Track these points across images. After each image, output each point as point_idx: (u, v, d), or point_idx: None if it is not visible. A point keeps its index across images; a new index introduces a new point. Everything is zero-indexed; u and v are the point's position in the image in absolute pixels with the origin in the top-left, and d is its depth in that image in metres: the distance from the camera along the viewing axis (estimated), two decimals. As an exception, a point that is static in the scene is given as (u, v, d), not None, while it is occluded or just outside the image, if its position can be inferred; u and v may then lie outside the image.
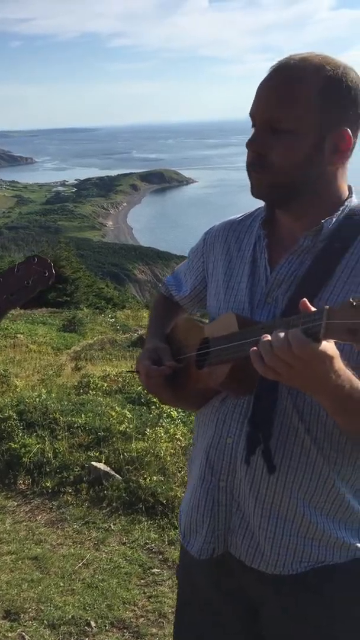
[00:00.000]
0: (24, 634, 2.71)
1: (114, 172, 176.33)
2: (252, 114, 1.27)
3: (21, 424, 5.07)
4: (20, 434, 4.88)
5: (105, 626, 2.77)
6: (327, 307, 0.96)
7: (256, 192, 1.31)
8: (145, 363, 1.44)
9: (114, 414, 5.28)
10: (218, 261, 1.46)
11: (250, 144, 1.27)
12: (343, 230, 1.26)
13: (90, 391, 7.05)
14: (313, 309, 0.99)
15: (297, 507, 1.26)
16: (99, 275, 52.26)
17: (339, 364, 1.04)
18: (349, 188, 1.33)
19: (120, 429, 4.89)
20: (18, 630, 2.74)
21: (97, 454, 4.53)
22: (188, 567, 1.47)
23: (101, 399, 6.25)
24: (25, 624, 2.79)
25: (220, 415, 1.34)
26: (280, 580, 1.28)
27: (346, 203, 1.29)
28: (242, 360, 1.14)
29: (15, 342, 12.48)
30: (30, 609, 2.89)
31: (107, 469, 4.30)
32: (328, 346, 1.00)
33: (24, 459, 4.51)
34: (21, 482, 4.32)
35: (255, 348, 1.04)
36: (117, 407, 5.57)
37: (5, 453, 4.65)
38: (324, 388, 1.07)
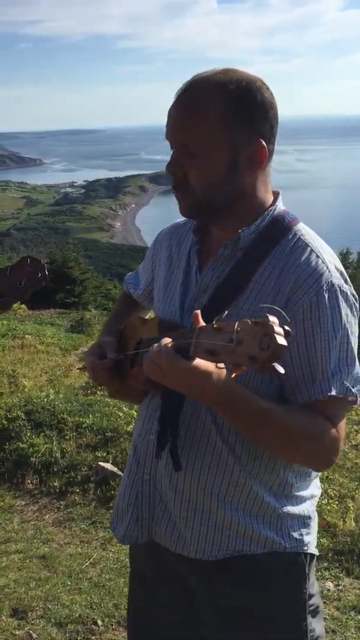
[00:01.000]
0: (31, 632, 2.72)
1: (122, 174, 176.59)
2: (167, 137, 1.29)
3: (29, 424, 5.10)
4: (29, 434, 4.90)
5: (112, 625, 2.79)
6: (199, 325, 1.01)
7: (182, 213, 1.35)
8: (90, 358, 1.50)
9: (121, 414, 5.30)
10: (162, 263, 1.51)
11: (167, 168, 1.30)
12: (262, 238, 1.28)
13: (97, 392, 7.07)
14: (202, 323, 1.03)
15: (211, 501, 1.31)
16: (106, 276, 52.34)
17: (216, 380, 1.08)
18: (275, 194, 1.34)
19: (128, 429, 4.90)
20: (25, 628, 2.76)
21: (105, 454, 4.55)
22: (131, 556, 1.59)
23: (109, 400, 6.27)
24: (32, 622, 2.81)
25: (148, 411, 1.42)
26: (203, 564, 1.33)
27: (268, 211, 1.30)
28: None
29: (24, 342, 12.50)
30: (37, 607, 2.91)
31: (115, 469, 4.32)
32: (201, 362, 1.05)
33: (32, 458, 4.54)
34: (29, 481, 4.35)
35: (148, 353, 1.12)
36: (124, 408, 5.58)
37: (13, 453, 4.68)
38: (205, 399, 1.15)
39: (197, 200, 1.28)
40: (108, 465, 4.34)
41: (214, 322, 0.97)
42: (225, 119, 1.20)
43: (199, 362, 1.05)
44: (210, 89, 1.21)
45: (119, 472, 4.27)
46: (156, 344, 1.10)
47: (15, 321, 14.91)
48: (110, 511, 3.89)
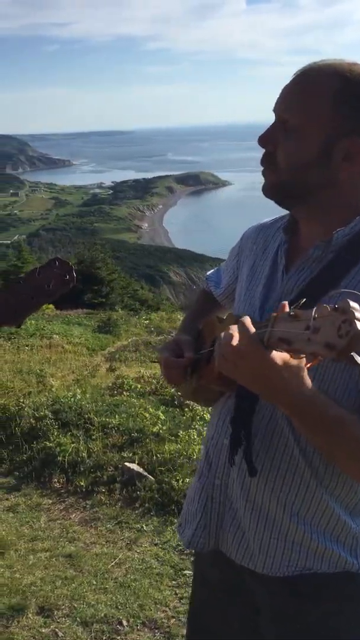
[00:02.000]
0: (57, 630, 2.75)
1: (150, 175, 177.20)
2: (273, 109, 1.26)
3: (56, 423, 5.15)
4: (56, 433, 4.95)
5: (137, 626, 2.80)
6: (275, 314, 0.95)
7: (264, 190, 1.30)
8: (164, 354, 1.45)
9: (147, 415, 5.32)
10: (245, 262, 1.46)
11: (259, 139, 1.25)
12: (356, 242, 1.22)
13: (124, 392, 7.11)
14: (287, 309, 0.96)
15: (284, 513, 1.25)
16: (134, 277, 52.58)
17: (293, 375, 1.01)
18: None
19: (154, 430, 4.92)
20: (52, 626, 2.78)
21: (131, 454, 4.57)
22: (196, 561, 1.53)
23: (135, 400, 6.30)
24: (58, 620, 2.83)
25: (221, 414, 1.36)
26: (271, 580, 1.28)
27: None
28: None
29: (51, 342, 12.64)
30: (63, 606, 2.93)
31: (140, 469, 4.33)
32: (277, 354, 0.98)
33: (58, 457, 4.58)
34: (56, 480, 4.39)
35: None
36: (150, 409, 5.61)
37: (40, 452, 4.73)
38: (279, 397, 1.05)
39: (280, 178, 1.23)
40: (134, 466, 4.36)
41: (290, 310, 0.92)
42: (334, 101, 1.16)
43: (275, 353, 0.98)
44: (328, 73, 1.18)
45: (145, 473, 4.29)
46: (226, 331, 1.04)
47: (43, 321, 15.07)
48: (136, 512, 3.91)
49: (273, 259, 1.36)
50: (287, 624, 1.29)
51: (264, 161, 1.26)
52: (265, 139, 1.24)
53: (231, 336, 1.02)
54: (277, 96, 1.25)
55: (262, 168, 1.28)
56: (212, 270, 1.69)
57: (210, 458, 1.37)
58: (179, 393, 1.64)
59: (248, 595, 1.36)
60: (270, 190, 1.28)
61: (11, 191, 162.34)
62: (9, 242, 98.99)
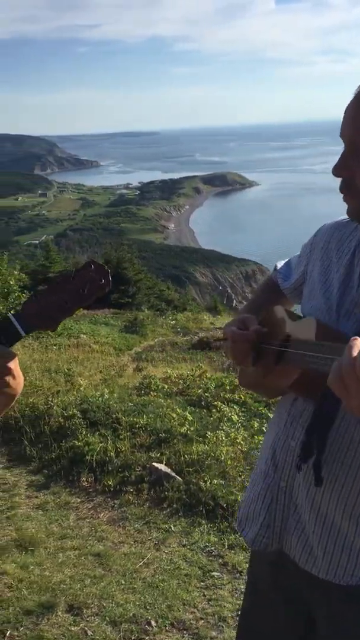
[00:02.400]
0: (86, 629, 2.76)
1: (177, 175, 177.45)
2: (341, 135, 1.23)
3: (85, 422, 5.18)
4: (84, 432, 4.98)
5: (166, 626, 2.79)
6: None
7: (350, 215, 1.28)
8: (231, 328, 1.41)
9: (175, 415, 5.32)
10: (317, 260, 1.42)
11: (333, 170, 1.23)
12: None
13: (151, 392, 7.13)
14: None
15: (349, 525, 1.23)
16: (160, 277, 52.68)
17: None
18: None
19: (181, 431, 4.92)
20: (81, 624, 2.80)
21: (158, 454, 4.58)
22: (253, 561, 1.50)
23: (162, 401, 6.31)
24: (87, 619, 2.84)
25: (289, 416, 1.33)
26: (331, 587, 1.26)
27: None
28: (312, 371, 1.11)
29: (79, 341, 12.73)
30: (92, 605, 2.95)
31: (168, 470, 4.33)
32: None
33: (87, 456, 4.61)
34: (84, 479, 4.42)
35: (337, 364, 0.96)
36: (178, 409, 5.61)
37: (69, 450, 4.76)
38: None
39: None
40: (162, 466, 4.36)
41: None
42: None
43: None
44: None
45: (173, 474, 4.29)
46: (348, 359, 0.94)
47: (71, 321, 15.19)
48: (164, 512, 3.91)
49: (350, 260, 1.33)
50: (344, 631, 1.28)
51: (343, 189, 1.24)
52: (340, 169, 1.22)
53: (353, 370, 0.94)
54: (342, 118, 1.22)
55: (342, 195, 1.26)
56: (282, 262, 1.64)
57: (277, 459, 1.35)
58: (237, 380, 1.58)
59: (303, 600, 1.35)
60: (355, 216, 1.28)
61: (39, 192, 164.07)
62: (37, 242, 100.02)
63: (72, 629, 2.76)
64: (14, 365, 1.19)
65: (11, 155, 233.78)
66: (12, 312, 1.25)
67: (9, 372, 1.18)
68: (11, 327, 1.18)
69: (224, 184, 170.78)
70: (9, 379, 1.19)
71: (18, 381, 1.23)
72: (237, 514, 1.51)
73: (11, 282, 14.13)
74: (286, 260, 1.63)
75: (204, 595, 3.05)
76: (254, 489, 1.42)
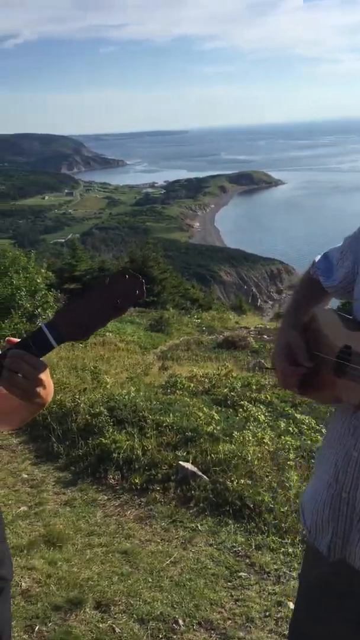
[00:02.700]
0: (114, 626, 2.77)
1: (202, 174, 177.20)
2: None
3: (111, 420, 5.20)
4: (111, 430, 5.00)
5: (193, 625, 2.79)
6: None
7: None
8: (282, 364, 1.39)
9: (201, 415, 5.31)
10: None
11: None
12: None
13: (177, 391, 7.13)
14: None
15: None
16: (185, 276, 52.65)
17: None
18: None
19: (208, 430, 4.91)
20: (109, 621, 2.81)
21: (185, 453, 4.57)
22: (309, 567, 1.47)
23: (188, 400, 6.31)
24: (115, 616, 2.85)
25: (351, 426, 1.31)
26: None
27: None
28: None
29: (105, 340, 12.81)
30: (120, 602, 2.96)
31: (195, 469, 4.33)
32: None
33: (114, 454, 4.63)
34: (111, 477, 4.44)
35: None
36: (204, 408, 5.59)
37: (96, 448, 4.79)
38: None
39: None
40: (188, 465, 4.36)
41: None
42: None
43: None
44: None
45: (199, 473, 4.28)
46: None
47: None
48: (190, 511, 3.91)
49: None
50: None
51: None
52: None
53: None
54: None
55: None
56: (319, 257, 1.56)
57: (338, 470, 1.34)
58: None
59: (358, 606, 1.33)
60: None
61: (66, 191, 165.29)
62: (63, 240, 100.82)
63: (100, 625, 2.78)
64: (45, 376, 1.19)
65: (39, 155, 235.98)
66: (40, 315, 1.23)
67: (40, 383, 1.18)
68: (43, 338, 1.16)
69: (250, 182, 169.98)
70: (39, 389, 1.18)
71: (48, 391, 1.23)
72: (302, 522, 1.48)
73: (38, 280, 14.26)
74: (323, 254, 1.56)
75: (231, 596, 3.04)
76: (319, 500, 1.40)
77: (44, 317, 13.54)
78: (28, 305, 13.27)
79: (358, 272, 1.40)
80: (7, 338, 1.22)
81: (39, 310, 13.58)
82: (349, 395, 1.25)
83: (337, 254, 1.50)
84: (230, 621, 2.83)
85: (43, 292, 14.16)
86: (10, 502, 4.07)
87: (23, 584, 3.11)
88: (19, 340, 1.19)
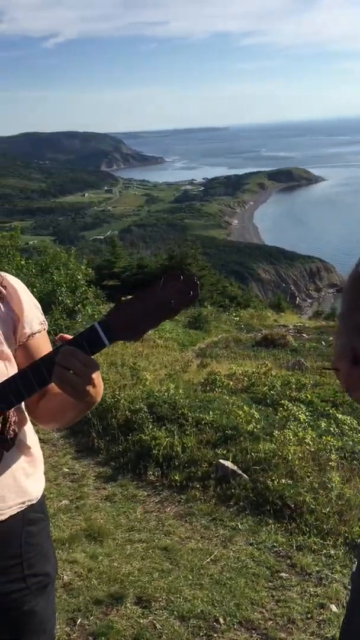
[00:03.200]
0: (155, 622, 2.78)
1: (241, 171, 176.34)
2: None
3: (151, 416, 5.22)
4: (150, 427, 5.02)
5: (234, 625, 2.78)
6: None
7: None
8: (346, 364, 1.34)
9: (241, 413, 5.28)
10: None
11: None
12: None
13: (216, 389, 7.10)
14: None
15: None
16: (223, 273, 52.48)
17: None
18: None
19: (248, 428, 4.88)
20: (149, 617, 2.82)
21: (225, 452, 4.55)
22: None
23: (227, 397, 6.28)
24: (155, 612, 2.86)
25: None
26: None
27: None
28: None
29: (143, 336, 12.84)
30: (160, 598, 2.96)
31: (235, 467, 4.31)
32: None
33: (153, 451, 4.64)
34: (151, 473, 4.45)
35: None
36: (244, 407, 5.56)
37: (136, 444, 4.81)
38: None
39: None
40: (228, 464, 4.34)
41: None
42: None
43: None
44: None
45: (239, 471, 4.26)
46: None
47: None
48: (231, 510, 3.89)
49: None
50: None
51: None
52: None
53: None
54: None
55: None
56: None
57: None
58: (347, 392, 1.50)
59: None
60: None
61: (105, 188, 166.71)
62: (102, 237, 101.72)
63: (141, 621, 2.79)
64: (95, 375, 1.19)
65: (79, 153, 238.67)
66: (80, 311, 1.23)
67: (90, 381, 1.19)
68: (96, 337, 1.16)
69: (290, 179, 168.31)
70: (89, 387, 1.19)
71: (97, 390, 1.24)
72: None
73: (79, 277, 14.41)
74: None
75: (272, 596, 3.01)
76: None
77: (83, 313, 13.67)
78: (68, 301, 13.42)
79: None
80: (60, 335, 1.22)
81: (78, 306, 13.71)
82: None
83: None
84: (271, 622, 2.80)
85: (83, 289, 14.30)
86: (52, 495, 4.12)
87: (65, 577, 3.15)
88: (71, 337, 1.19)
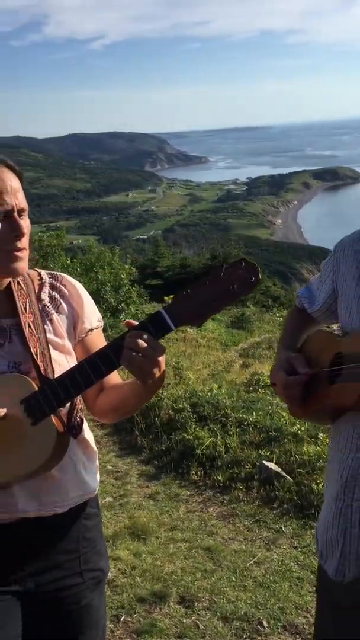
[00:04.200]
0: (198, 622, 2.77)
1: (286, 170, 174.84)
2: None
3: (194, 416, 5.21)
4: (193, 426, 5.02)
5: (278, 628, 2.74)
6: None
7: None
8: (280, 375, 1.42)
9: (285, 414, 5.22)
10: (348, 274, 1.42)
11: None
12: None
13: (259, 389, 7.05)
14: None
15: None
16: (265, 273, 52.15)
17: None
18: None
19: (292, 430, 4.82)
20: (192, 617, 2.81)
21: (268, 453, 4.51)
22: (328, 586, 1.41)
23: (270, 398, 6.22)
24: (199, 612, 2.85)
25: (355, 432, 1.31)
26: None
27: None
28: None
29: (186, 336, 12.86)
30: (203, 599, 2.95)
31: (278, 469, 4.26)
32: None
33: (196, 450, 4.63)
34: (194, 473, 4.45)
35: None
36: (288, 408, 5.50)
37: (178, 443, 4.82)
38: None
39: None
40: (272, 465, 4.30)
41: None
42: None
43: None
44: None
45: (283, 473, 4.21)
46: None
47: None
48: (274, 512, 3.85)
49: None
50: None
51: None
52: None
53: None
54: None
55: None
56: (302, 288, 1.68)
57: (345, 480, 1.32)
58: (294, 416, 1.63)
59: None
60: None
61: (149, 188, 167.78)
62: (145, 237, 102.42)
63: (184, 620, 2.78)
64: (162, 358, 1.23)
65: (124, 153, 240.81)
66: (123, 310, 1.28)
67: (157, 364, 1.22)
68: (161, 320, 1.21)
69: (335, 178, 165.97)
70: (155, 370, 1.22)
71: (162, 375, 1.27)
72: (315, 544, 1.46)
73: (122, 276, 14.53)
74: (305, 285, 1.66)
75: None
76: (328, 516, 1.38)
77: (127, 311, 13.78)
78: (112, 300, 13.57)
79: (337, 291, 1.46)
80: (126, 321, 1.27)
81: (122, 305, 13.85)
82: (344, 397, 1.29)
83: (317, 281, 1.59)
84: (316, 627, 2.75)
85: (127, 288, 14.42)
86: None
87: (109, 574, 3.16)
88: (137, 323, 1.24)
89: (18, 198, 1.32)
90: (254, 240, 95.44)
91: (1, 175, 1.31)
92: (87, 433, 1.50)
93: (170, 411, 5.37)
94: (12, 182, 1.32)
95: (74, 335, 1.47)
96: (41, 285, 1.47)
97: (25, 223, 1.34)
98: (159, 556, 3.36)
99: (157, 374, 1.23)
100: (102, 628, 1.51)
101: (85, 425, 1.48)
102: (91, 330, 1.49)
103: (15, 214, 1.32)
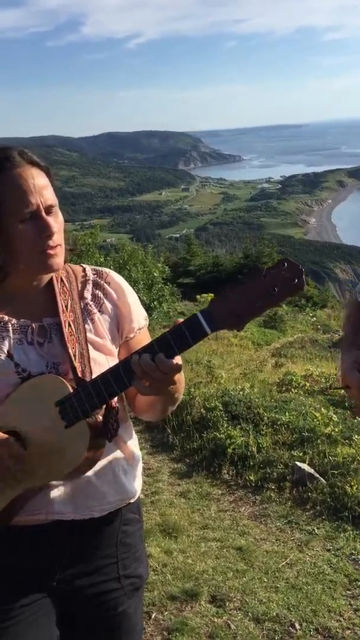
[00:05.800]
0: (229, 622, 2.75)
1: (320, 169, 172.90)
2: None
3: (226, 415, 5.19)
4: (225, 425, 4.99)
5: (310, 631, 2.71)
6: None
7: None
8: (356, 375, 1.37)
9: (318, 415, 5.15)
10: None
11: None
12: None
13: (292, 389, 6.99)
14: None
15: None
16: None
17: None
18: None
19: (326, 431, 4.75)
20: (224, 617, 2.80)
21: (301, 454, 4.46)
22: None
23: (303, 399, 6.16)
24: (230, 612, 2.84)
25: None
26: None
27: None
28: None
29: (217, 334, 12.83)
30: (235, 599, 2.93)
31: (312, 470, 4.21)
32: None
33: (228, 449, 4.61)
34: (225, 472, 4.43)
35: None
36: (322, 409, 5.43)
37: (210, 442, 4.80)
38: None
39: None
40: (305, 466, 4.25)
41: None
42: None
43: None
44: None
45: (316, 475, 4.16)
46: None
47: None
48: (307, 513, 3.81)
49: None
50: None
51: None
52: None
53: None
54: None
55: None
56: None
57: None
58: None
59: None
60: None
61: (182, 186, 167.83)
62: (178, 235, 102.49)
63: (215, 620, 2.77)
64: (177, 376, 1.27)
65: (157, 152, 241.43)
66: (156, 308, 1.27)
67: (169, 382, 1.25)
68: (198, 325, 1.16)
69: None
70: (165, 387, 1.26)
71: (177, 387, 1.32)
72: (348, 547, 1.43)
73: (155, 274, 14.57)
74: None
75: (350, 605, 2.92)
76: None
77: (159, 310, 13.81)
78: (145, 298, 13.60)
79: None
80: (177, 320, 1.23)
81: (154, 303, 13.88)
82: None
83: None
84: (349, 631, 2.71)
85: (159, 286, 14.45)
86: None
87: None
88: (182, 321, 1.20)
89: (44, 195, 1.27)
90: (288, 239, 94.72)
91: (23, 175, 1.25)
92: (129, 437, 1.47)
93: (202, 410, 5.35)
94: (36, 179, 1.26)
95: (120, 335, 1.43)
96: (84, 283, 1.42)
97: (56, 219, 1.29)
98: (190, 554, 3.35)
99: (171, 387, 1.27)
100: (137, 634, 1.48)
101: (126, 429, 1.44)
102: (139, 329, 1.46)
103: (43, 213, 1.27)
